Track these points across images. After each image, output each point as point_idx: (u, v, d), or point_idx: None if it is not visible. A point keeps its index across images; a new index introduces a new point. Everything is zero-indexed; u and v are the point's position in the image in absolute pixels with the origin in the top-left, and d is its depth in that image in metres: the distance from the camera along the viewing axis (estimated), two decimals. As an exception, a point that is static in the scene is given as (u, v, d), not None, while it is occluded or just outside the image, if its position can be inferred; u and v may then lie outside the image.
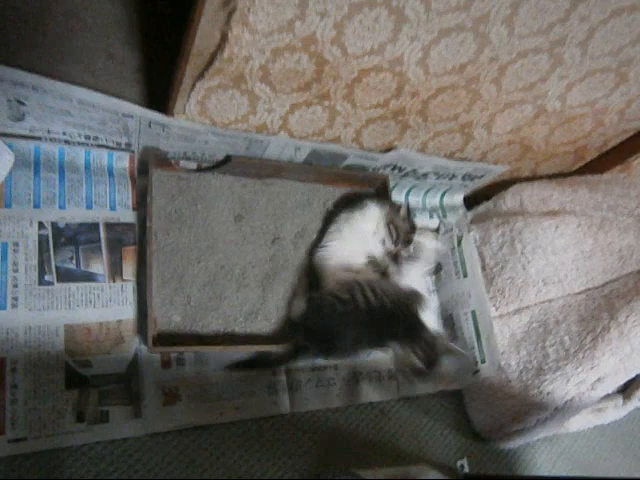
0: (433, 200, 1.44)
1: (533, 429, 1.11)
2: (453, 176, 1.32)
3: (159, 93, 1.02)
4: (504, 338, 1.16)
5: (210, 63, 0.86)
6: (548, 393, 1.06)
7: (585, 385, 1.05)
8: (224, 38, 0.81)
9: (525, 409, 1.09)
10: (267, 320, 1.09)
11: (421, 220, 1.38)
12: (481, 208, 1.37)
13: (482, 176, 1.33)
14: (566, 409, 1.06)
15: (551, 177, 1.36)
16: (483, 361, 1.17)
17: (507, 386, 1.12)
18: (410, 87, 0.99)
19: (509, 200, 1.29)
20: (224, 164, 1.14)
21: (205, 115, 1.00)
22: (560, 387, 1.05)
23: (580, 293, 1.15)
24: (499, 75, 0.99)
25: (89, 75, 1.04)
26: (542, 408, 1.07)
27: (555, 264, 1.14)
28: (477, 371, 1.18)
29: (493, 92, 1.04)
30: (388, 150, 1.19)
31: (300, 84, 0.94)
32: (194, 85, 0.91)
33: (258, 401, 1.05)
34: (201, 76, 0.89)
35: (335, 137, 1.13)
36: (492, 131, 1.17)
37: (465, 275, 1.25)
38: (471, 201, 1.45)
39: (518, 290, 1.16)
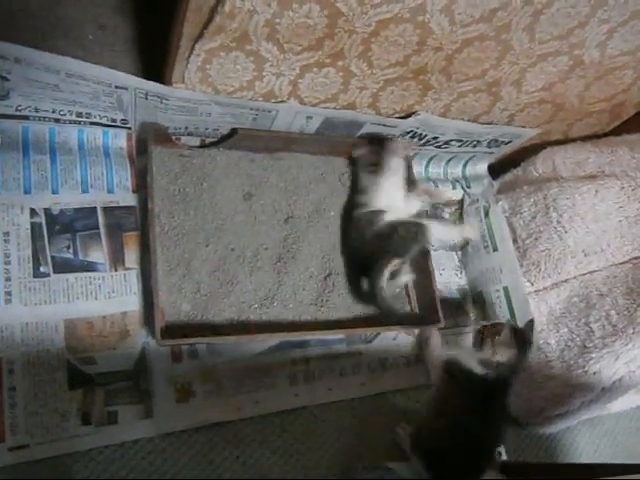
0: (455, 170, 1.35)
1: (577, 412, 1.03)
2: (477, 142, 1.22)
3: (155, 63, 0.95)
4: (541, 315, 1.08)
5: (210, 19, 0.77)
6: (594, 373, 0.98)
7: (636, 363, 0.96)
8: (225, -13, 0.71)
9: (568, 391, 1.01)
10: (284, 306, 1.02)
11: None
12: (508, 176, 1.28)
13: (509, 142, 1.23)
14: (614, 389, 0.98)
15: (584, 139, 1.27)
16: (520, 341, 1.09)
17: (547, 367, 1.04)
18: (433, 40, 0.89)
19: (540, 165, 1.20)
20: (229, 138, 1.06)
21: (207, 83, 0.91)
22: (608, 366, 0.97)
23: (625, 262, 1.06)
24: (533, 21, 0.89)
25: (78, 48, 0.98)
26: (587, 389, 0.99)
27: (596, 232, 1.05)
28: (513, 352, 1.10)
29: (525, 42, 0.93)
30: (408, 116, 1.10)
31: (311, 42, 0.85)
32: (193, 47, 0.83)
33: (278, 393, 0.98)
34: (201, 36, 0.81)
35: (350, 103, 1.03)
36: (522, 89, 1.07)
37: (495, 249, 1.16)
38: (496, 169, 1.36)
39: (555, 262, 1.07)
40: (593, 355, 0.99)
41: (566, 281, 1.08)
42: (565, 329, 1.04)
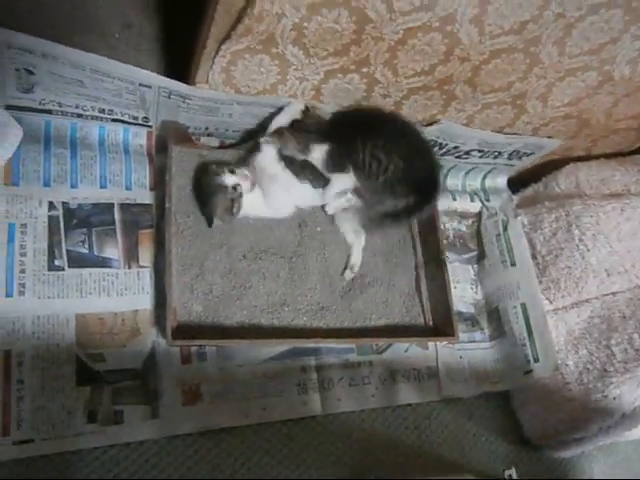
0: (474, 182, 1.33)
1: (594, 437, 1.00)
2: (498, 154, 1.21)
3: (179, 63, 0.95)
4: (559, 335, 1.05)
5: (238, 21, 0.77)
6: (614, 398, 0.95)
7: (659, 389, 0.93)
8: (255, -11, 0.71)
9: (586, 415, 0.98)
10: (296, 310, 1.00)
11: (461, 203, 1.28)
12: (529, 191, 1.26)
13: (531, 154, 1.21)
14: (635, 416, 0.95)
15: (608, 156, 1.24)
16: (536, 360, 1.07)
17: (564, 389, 1.01)
18: (461, 50, 0.87)
19: (563, 181, 1.18)
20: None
21: (230, 84, 0.91)
22: (629, 391, 0.94)
23: (650, 285, 1.03)
24: (564, 35, 0.87)
25: (104, 45, 0.98)
26: (607, 414, 0.96)
27: (620, 252, 1.03)
28: (529, 371, 1.08)
29: (555, 56, 0.92)
30: (429, 125, 1.08)
31: (337, 47, 0.84)
32: (219, 49, 0.83)
33: (287, 401, 0.96)
34: (227, 37, 0.80)
35: (372, 110, 1.02)
36: (548, 103, 1.05)
37: (513, 264, 1.14)
38: (516, 184, 1.34)
39: (576, 281, 1.05)
40: (614, 379, 0.96)
41: (587, 301, 1.06)
42: (584, 351, 1.02)
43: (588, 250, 1.05)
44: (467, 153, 1.20)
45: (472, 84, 0.97)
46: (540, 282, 1.10)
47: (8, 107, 0.90)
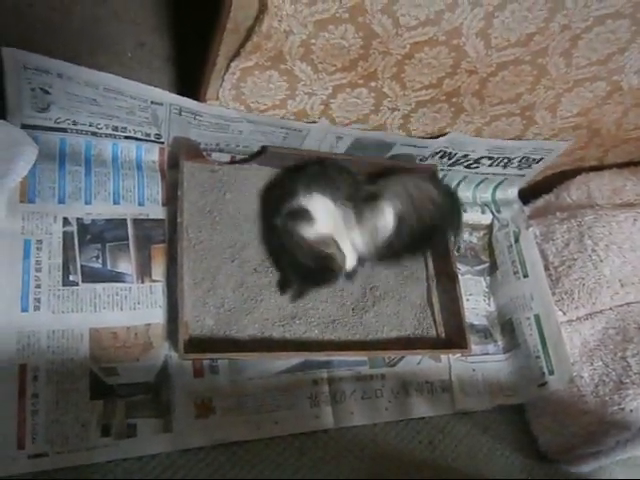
0: (485, 194, 1.32)
1: (611, 451, 0.97)
2: (508, 161, 1.20)
3: (190, 81, 0.96)
4: (574, 347, 1.04)
5: (247, 39, 0.78)
6: (631, 410, 0.93)
7: (678, 401, 0.91)
8: (263, 8, 0.72)
9: (603, 428, 0.96)
10: (307, 323, 1.00)
11: (472, 215, 1.27)
12: (540, 202, 1.25)
13: (540, 159, 1.20)
14: (653, 429, 0.93)
15: (620, 166, 1.23)
16: (551, 372, 1.05)
17: (580, 401, 0.99)
18: (467, 63, 0.88)
19: (574, 192, 1.17)
20: (259, 156, 1.06)
21: (240, 101, 0.92)
22: (646, 404, 0.92)
23: (665, 295, 1.01)
24: (571, 46, 0.87)
25: (117, 64, 1.00)
26: (624, 427, 0.94)
27: (634, 262, 1.01)
28: (544, 383, 1.06)
29: (562, 67, 0.92)
30: (437, 137, 1.08)
31: (345, 62, 0.85)
32: (229, 66, 0.84)
33: (298, 414, 0.95)
34: (237, 55, 0.81)
35: (380, 124, 1.03)
36: (557, 114, 1.05)
37: (525, 275, 1.13)
38: (526, 195, 1.33)
39: (590, 292, 1.03)
40: (630, 392, 0.94)
41: (601, 312, 1.04)
42: (600, 362, 1.00)
43: (601, 261, 1.03)
44: (477, 161, 1.20)
45: (480, 96, 0.97)
46: (553, 293, 1.09)
47: (24, 126, 0.92)
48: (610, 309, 1.04)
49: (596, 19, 0.82)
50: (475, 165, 1.21)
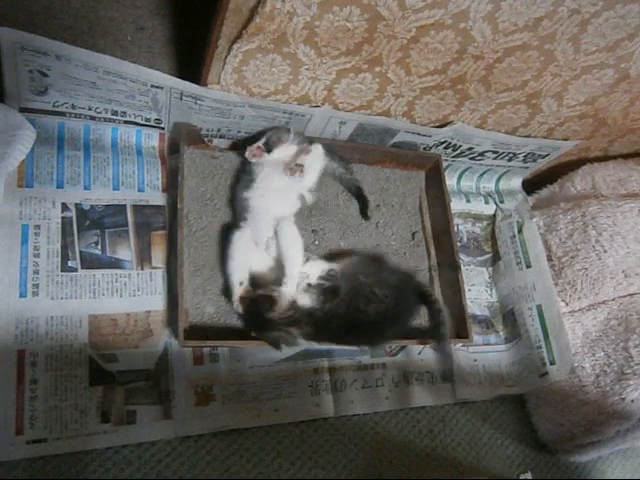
0: (489, 184, 1.31)
1: (611, 441, 0.97)
2: (513, 156, 1.19)
3: (191, 66, 0.95)
4: (576, 337, 1.04)
5: (249, 20, 0.76)
6: (632, 400, 0.93)
7: (678, 393, 0.91)
8: (266, -13, 0.71)
9: (602, 418, 0.96)
10: (308, 313, 0.99)
11: (475, 206, 1.26)
12: (544, 192, 1.24)
13: (546, 155, 1.19)
14: (653, 420, 0.93)
15: (625, 157, 1.22)
16: (552, 362, 1.05)
17: (581, 392, 0.99)
18: (474, 48, 0.86)
19: (579, 182, 1.16)
20: (261, 141, 1.04)
21: (242, 85, 0.91)
22: (647, 394, 0.92)
23: (669, 286, 1.01)
24: (579, 31, 0.86)
25: (117, 47, 0.98)
26: (623, 417, 0.94)
27: (638, 253, 1.01)
28: (545, 373, 1.06)
29: (570, 53, 0.90)
30: (442, 126, 1.07)
31: (349, 46, 0.84)
32: (231, 48, 0.82)
33: (299, 402, 0.95)
34: (239, 37, 0.80)
35: (384, 110, 1.01)
36: (563, 102, 1.03)
37: (528, 265, 1.12)
38: (530, 185, 1.32)
39: (593, 283, 1.03)
40: (631, 382, 0.94)
41: (604, 303, 1.04)
42: (601, 353, 1.00)
43: (605, 251, 1.03)
44: (481, 155, 1.19)
45: (486, 83, 0.96)
46: (556, 284, 1.08)
47: (22, 109, 0.90)
48: (613, 300, 1.04)
49: (606, 3, 0.81)
50: (480, 157, 1.20)
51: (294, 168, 0.95)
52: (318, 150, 0.99)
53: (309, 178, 0.98)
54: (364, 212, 1.09)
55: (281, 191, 0.95)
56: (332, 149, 1.04)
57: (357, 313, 0.88)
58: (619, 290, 1.03)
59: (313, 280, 0.90)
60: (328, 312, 0.87)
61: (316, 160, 0.99)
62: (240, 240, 0.92)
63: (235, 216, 0.98)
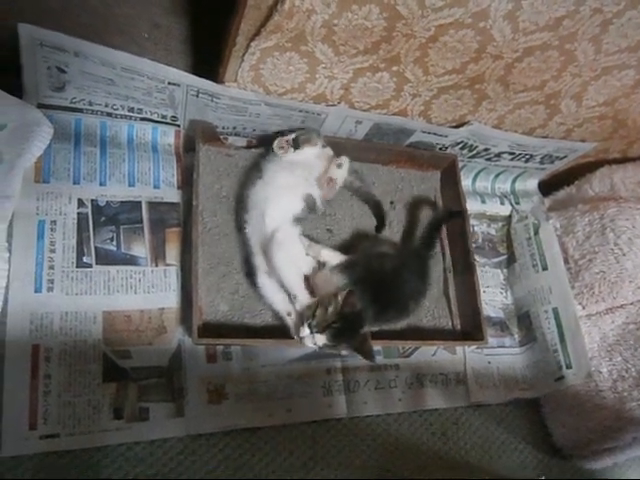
0: (504, 185, 1.30)
1: (627, 448, 0.96)
2: (530, 157, 1.18)
3: (207, 63, 0.94)
4: (593, 341, 1.02)
5: (268, 18, 0.76)
6: (651, 407, 0.91)
7: (698, 400, 0.89)
8: (285, -15, 0.70)
9: (620, 424, 0.95)
10: (322, 312, 0.98)
11: (490, 206, 1.25)
12: (561, 194, 1.22)
13: (564, 157, 1.18)
14: (672, 427, 0.91)
15: (644, 159, 1.20)
16: (569, 366, 1.04)
17: (597, 396, 0.98)
18: (493, 48, 0.85)
19: (597, 184, 1.15)
20: (276, 140, 1.04)
21: (259, 83, 0.90)
22: (667, 401, 0.90)
23: (689, 291, 0.99)
24: (601, 31, 0.84)
25: (134, 45, 0.98)
26: (642, 424, 0.93)
27: (658, 257, 0.99)
28: (561, 377, 1.05)
29: (590, 54, 0.89)
30: (459, 126, 1.06)
31: (367, 45, 0.83)
32: (249, 46, 0.82)
33: (311, 402, 0.95)
34: (257, 34, 0.79)
35: (401, 110, 1.01)
36: (582, 103, 1.02)
37: (545, 268, 1.11)
38: (546, 186, 1.30)
39: (611, 286, 1.01)
40: (650, 388, 0.92)
41: (622, 307, 1.02)
42: (619, 358, 0.98)
43: (623, 254, 1.01)
44: (498, 155, 1.17)
45: (504, 83, 0.95)
46: (573, 287, 1.07)
47: (40, 105, 0.91)
48: (631, 304, 1.02)
49: (629, 2, 0.80)
50: (496, 158, 1.19)
51: (329, 182, 0.96)
52: (347, 164, 0.99)
53: (334, 190, 0.99)
54: (379, 229, 1.08)
55: (285, 189, 0.94)
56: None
57: (381, 274, 0.90)
58: (638, 294, 1.01)
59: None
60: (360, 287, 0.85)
61: (345, 173, 0.99)
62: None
63: (236, 213, 0.98)
